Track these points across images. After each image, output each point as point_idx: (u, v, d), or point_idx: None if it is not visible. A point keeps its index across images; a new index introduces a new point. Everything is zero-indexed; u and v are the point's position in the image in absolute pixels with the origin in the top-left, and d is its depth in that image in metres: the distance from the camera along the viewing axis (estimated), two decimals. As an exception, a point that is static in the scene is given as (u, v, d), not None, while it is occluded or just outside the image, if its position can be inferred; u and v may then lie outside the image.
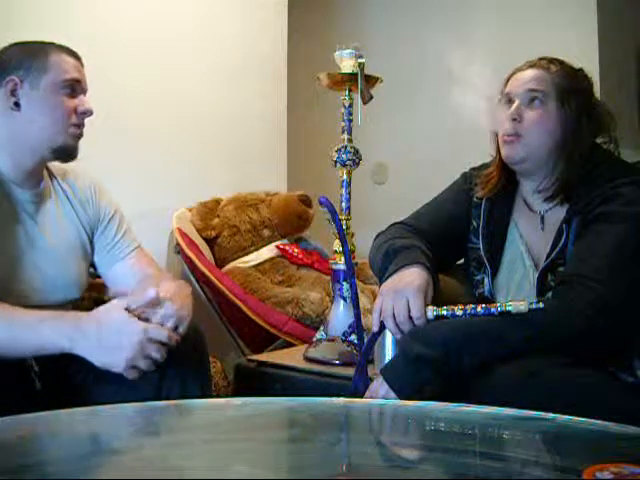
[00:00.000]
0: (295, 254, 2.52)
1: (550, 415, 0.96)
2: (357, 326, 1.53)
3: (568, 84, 1.36)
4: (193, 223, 2.49)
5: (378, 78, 1.70)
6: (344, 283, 1.69)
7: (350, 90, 1.72)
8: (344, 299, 1.70)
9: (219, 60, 2.70)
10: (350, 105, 1.73)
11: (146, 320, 1.20)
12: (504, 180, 1.45)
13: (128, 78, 2.30)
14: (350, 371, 1.47)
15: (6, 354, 1.15)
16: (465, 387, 1.19)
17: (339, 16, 3.69)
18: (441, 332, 1.22)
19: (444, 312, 1.25)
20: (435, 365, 1.20)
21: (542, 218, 1.42)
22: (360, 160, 1.73)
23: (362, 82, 1.63)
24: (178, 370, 1.23)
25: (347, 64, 1.69)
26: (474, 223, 1.48)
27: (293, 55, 3.07)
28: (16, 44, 1.35)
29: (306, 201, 2.59)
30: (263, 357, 1.78)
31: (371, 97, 1.66)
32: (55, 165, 1.43)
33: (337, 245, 1.71)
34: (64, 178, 1.44)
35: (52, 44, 1.35)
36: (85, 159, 1.39)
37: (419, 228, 1.46)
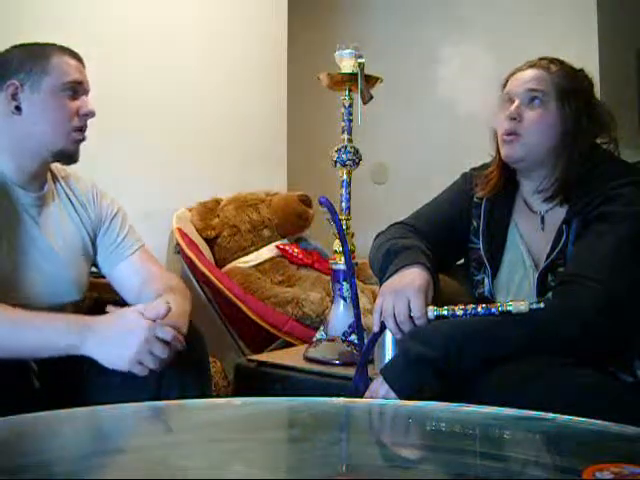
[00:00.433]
0: (295, 254, 2.52)
1: (550, 415, 0.96)
2: (357, 326, 1.53)
3: (568, 84, 1.36)
4: (193, 223, 2.49)
5: (378, 78, 1.70)
6: (344, 283, 1.69)
7: (350, 90, 1.72)
8: (344, 299, 1.69)
9: (219, 60, 2.70)
10: (350, 105, 1.73)
11: None
12: (504, 180, 1.45)
13: (127, 78, 2.30)
14: (350, 371, 1.47)
15: (9, 355, 1.15)
16: (465, 387, 1.19)
17: (339, 16, 3.69)
18: (441, 332, 1.22)
19: (445, 312, 1.25)
20: (435, 365, 1.20)
21: (542, 218, 1.42)
22: (360, 160, 1.73)
23: (362, 82, 1.63)
24: (178, 370, 1.23)
25: (347, 64, 1.69)
26: (474, 223, 1.48)
27: (293, 55, 3.07)
28: (17, 47, 1.34)
29: (306, 201, 2.59)
30: (263, 357, 1.78)
31: (371, 97, 1.66)
32: (58, 167, 1.43)
33: (337, 245, 1.71)
34: (67, 180, 1.44)
35: (53, 45, 1.34)
36: (85, 159, 1.39)
37: (419, 228, 1.46)
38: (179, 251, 2.37)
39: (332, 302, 1.75)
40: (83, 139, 1.36)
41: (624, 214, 1.27)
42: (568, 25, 3.02)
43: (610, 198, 1.29)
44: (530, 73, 1.38)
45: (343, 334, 1.66)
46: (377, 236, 1.51)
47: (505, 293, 1.42)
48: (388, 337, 1.45)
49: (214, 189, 2.61)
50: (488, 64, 3.07)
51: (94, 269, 1.49)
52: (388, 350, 1.47)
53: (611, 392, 1.17)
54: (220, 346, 2.32)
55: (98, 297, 1.64)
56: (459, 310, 1.24)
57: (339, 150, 1.72)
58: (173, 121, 2.49)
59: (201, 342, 1.35)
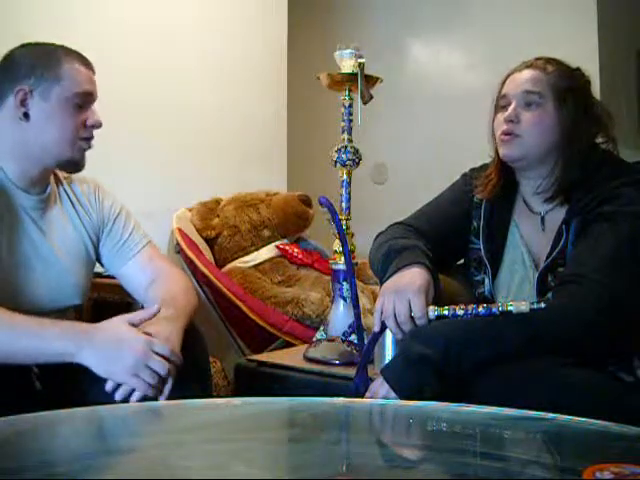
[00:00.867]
0: (295, 254, 2.52)
1: (550, 415, 0.96)
2: (357, 326, 1.53)
3: (565, 84, 1.36)
4: (193, 223, 2.50)
5: (378, 78, 1.70)
6: (344, 283, 1.69)
7: (350, 90, 1.72)
8: (344, 299, 1.69)
9: (219, 60, 2.70)
10: (350, 105, 1.73)
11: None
12: (504, 181, 1.45)
13: (127, 78, 2.30)
14: (350, 371, 1.47)
15: (7, 361, 1.15)
16: (465, 387, 1.19)
17: (339, 16, 3.69)
18: (442, 332, 1.22)
19: (445, 312, 1.25)
20: (436, 365, 1.20)
21: (542, 219, 1.42)
22: (360, 160, 1.73)
23: (362, 82, 1.62)
24: (178, 371, 1.23)
25: (347, 64, 1.69)
26: (474, 224, 1.48)
27: (293, 55, 3.08)
28: (26, 46, 1.32)
29: (306, 201, 2.59)
30: (263, 357, 1.78)
31: (371, 97, 1.65)
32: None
33: (337, 245, 1.71)
34: (69, 183, 1.43)
35: (63, 49, 1.32)
36: (86, 160, 1.38)
37: (419, 228, 1.46)
38: (179, 251, 2.37)
39: (332, 302, 1.75)
40: (89, 148, 1.35)
41: (624, 214, 1.27)
42: (568, 25, 3.02)
43: (610, 198, 1.29)
44: (526, 74, 1.38)
45: (343, 334, 1.66)
46: (377, 236, 1.51)
47: (505, 293, 1.42)
48: (388, 337, 1.45)
49: (214, 189, 2.61)
50: (488, 64, 3.08)
51: (96, 269, 1.49)
52: (388, 350, 1.47)
53: (611, 392, 1.17)
54: (220, 346, 2.32)
55: (98, 297, 1.65)
56: (460, 310, 1.24)
57: (339, 150, 1.72)
58: (173, 121, 2.49)
59: (201, 342, 1.35)
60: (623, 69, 3.29)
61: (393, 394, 1.22)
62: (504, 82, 1.43)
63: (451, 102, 3.29)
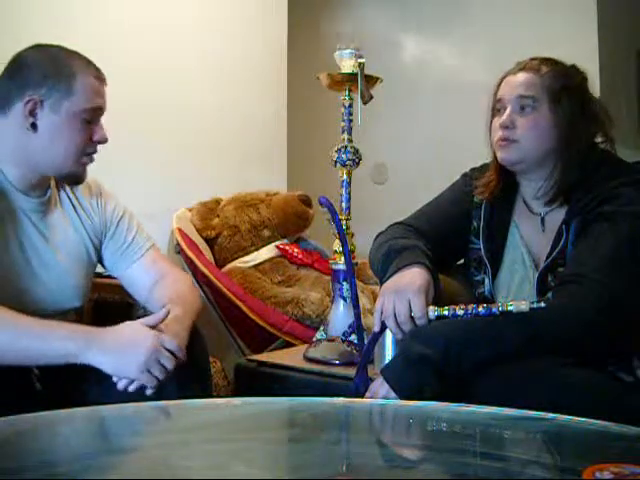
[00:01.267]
0: (295, 254, 2.52)
1: (550, 415, 0.96)
2: (357, 326, 1.53)
3: (560, 84, 1.35)
4: (193, 223, 2.50)
5: (378, 78, 1.70)
6: (344, 283, 1.69)
7: (350, 90, 1.72)
8: (344, 299, 1.69)
9: (219, 60, 2.70)
10: (350, 105, 1.73)
11: None
12: (503, 184, 1.45)
13: (127, 78, 2.30)
14: (350, 371, 1.47)
15: (10, 361, 1.15)
16: (465, 387, 1.19)
17: (339, 16, 3.69)
18: (442, 332, 1.22)
19: (445, 312, 1.25)
20: (436, 365, 1.20)
21: (542, 219, 1.42)
22: (360, 160, 1.73)
23: (362, 82, 1.62)
24: (178, 371, 1.23)
25: (347, 64, 1.69)
26: (474, 224, 1.48)
27: (293, 55, 3.08)
28: (39, 50, 1.29)
29: (306, 201, 2.59)
30: (263, 357, 1.78)
31: (371, 97, 1.65)
32: None
33: (337, 245, 1.71)
34: (71, 186, 1.43)
35: (78, 58, 1.30)
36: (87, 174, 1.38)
37: (419, 228, 1.46)
38: (179, 251, 2.37)
39: (332, 302, 1.75)
40: (92, 160, 1.34)
41: (624, 214, 1.27)
42: (568, 25, 3.02)
43: (610, 198, 1.29)
44: (520, 78, 1.37)
45: (343, 334, 1.66)
46: (377, 236, 1.51)
47: (505, 293, 1.42)
48: (388, 337, 1.45)
49: (214, 189, 2.61)
50: (488, 64, 3.07)
51: (96, 269, 1.49)
52: (388, 350, 1.47)
53: (611, 392, 1.17)
54: (220, 346, 2.32)
55: (98, 297, 1.65)
56: (460, 310, 1.24)
57: (339, 150, 1.72)
58: (173, 121, 2.49)
59: (201, 342, 1.35)
60: (623, 69, 3.29)
61: (393, 394, 1.22)
62: (499, 85, 1.42)
63: (451, 102, 3.29)
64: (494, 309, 1.21)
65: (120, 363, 1.17)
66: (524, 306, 1.19)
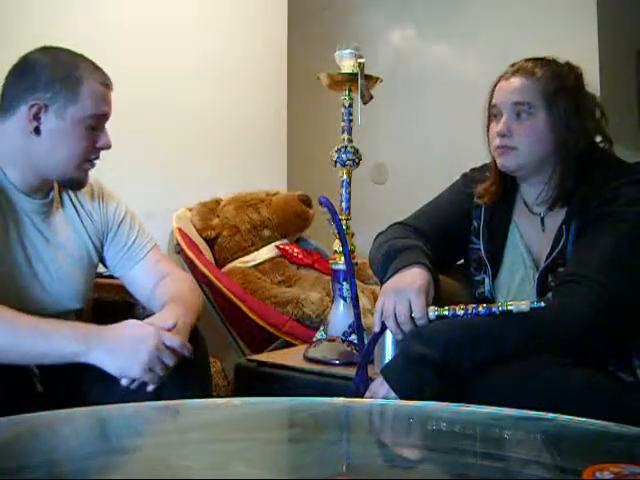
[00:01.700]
0: (295, 254, 2.52)
1: (550, 415, 0.96)
2: (357, 326, 1.53)
3: (554, 86, 1.34)
4: (193, 223, 2.50)
5: (378, 78, 1.70)
6: (344, 283, 1.69)
7: (350, 90, 1.72)
8: (344, 299, 1.69)
9: (219, 60, 2.70)
10: (350, 105, 1.73)
11: None
12: (503, 187, 1.45)
13: (127, 78, 2.29)
14: (350, 371, 1.47)
15: (14, 360, 1.15)
16: (465, 387, 1.19)
17: (339, 16, 3.69)
18: (442, 332, 1.22)
19: (445, 312, 1.25)
20: (436, 365, 1.20)
21: (542, 220, 1.41)
22: (360, 160, 1.73)
23: (362, 82, 1.63)
24: (178, 371, 1.23)
25: (347, 64, 1.69)
26: (475, 224, 1.48)
27: (293, 55, 3.08)
28: (46, 53, 1.28)
29: (306, 201, 2.59)
30: (263, 357, 1.78)
31: (371, 97, 1.65)
32: None
33: (337, 245, 1.71)
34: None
35: (85, 63, 1.29)
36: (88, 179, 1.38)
37: (419, 228, 1.46)
38: (179, 251, 2.37)
39: (332, 302, 1.75)
40: (94, 165, 1.34)
41: (623, 214, 1.27)
42: (568, 25, 3.02)
43: (609, 198, 1.29)
44: (515, 83, 1.36)
45: (343, 334, 1.66)
46: (377, 236, 1.51)
47: (505, 293, 1.42)
48: (388, 337, 1.45)
49: (214, 189, 2.61)
50: (488, 64, 3.07)
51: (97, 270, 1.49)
52: (388, 350, 1.47)
53: (611, 392, 1.17)
54: (220, 346, 2.32)
55: (98, 297, 1.64)
56: (460, 310, 1.24)
57: (339, 150, 1.72)
58: (173, 121, 2.49)
59: (201, 342, 1.35)
60: (623, 69, 3.29)
61: (393, 394, 1.22)
62: (494, 89, 1.41)
63: (451, 102, 3.29)
64: (494, 309, 1.21)
65: (123, 363, 1.17)
66: (524, 306, 1.19)
